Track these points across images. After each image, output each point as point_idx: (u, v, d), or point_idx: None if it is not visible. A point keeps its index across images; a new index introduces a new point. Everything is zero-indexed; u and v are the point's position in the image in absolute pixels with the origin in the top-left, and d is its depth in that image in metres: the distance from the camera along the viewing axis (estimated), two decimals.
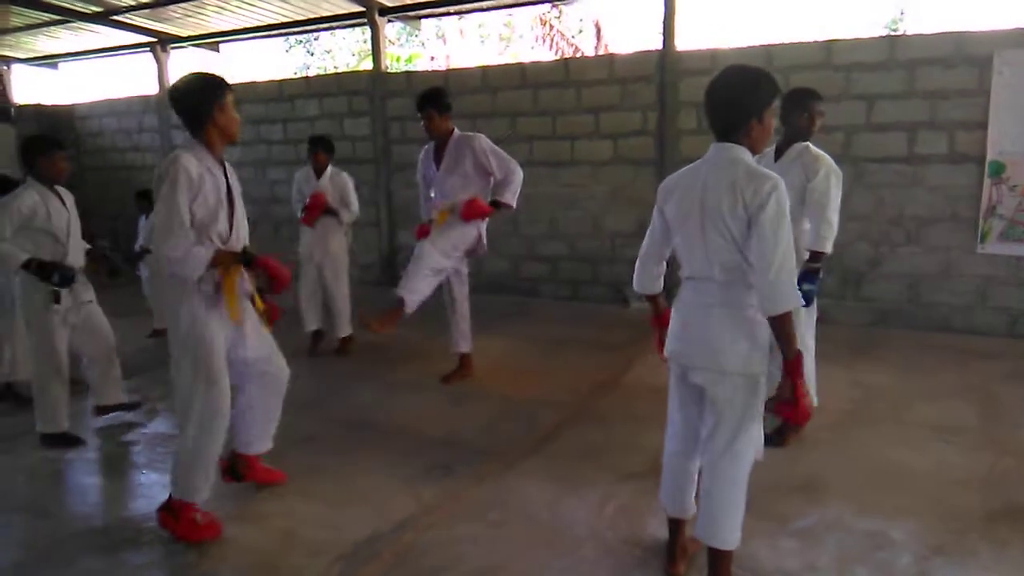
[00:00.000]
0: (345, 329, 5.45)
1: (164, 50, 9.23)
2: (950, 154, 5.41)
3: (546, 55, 13.21)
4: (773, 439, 3.55)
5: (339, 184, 5.33)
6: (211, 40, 9.16)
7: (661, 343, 2.50)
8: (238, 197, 2.84)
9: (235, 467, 3.13)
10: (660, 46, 6.27)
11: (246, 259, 2.79)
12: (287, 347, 5.41)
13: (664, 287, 2.57)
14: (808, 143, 3.52)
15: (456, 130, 4.32)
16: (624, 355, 5.15)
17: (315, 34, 15.08)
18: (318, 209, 5.21)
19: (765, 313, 2.15)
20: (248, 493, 3.17)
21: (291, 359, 5.20)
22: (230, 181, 2.79)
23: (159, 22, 8.49)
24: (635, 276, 2.53)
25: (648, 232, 2.47)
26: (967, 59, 5.23)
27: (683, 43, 6.26)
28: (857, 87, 5.62)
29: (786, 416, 2.26)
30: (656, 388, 4.39)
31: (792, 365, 2.14)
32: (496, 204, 4.28)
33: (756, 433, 2.32)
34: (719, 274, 2.22)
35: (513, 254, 7.09)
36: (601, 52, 12.82)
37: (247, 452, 3.13)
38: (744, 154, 2.20)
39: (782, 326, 2.13)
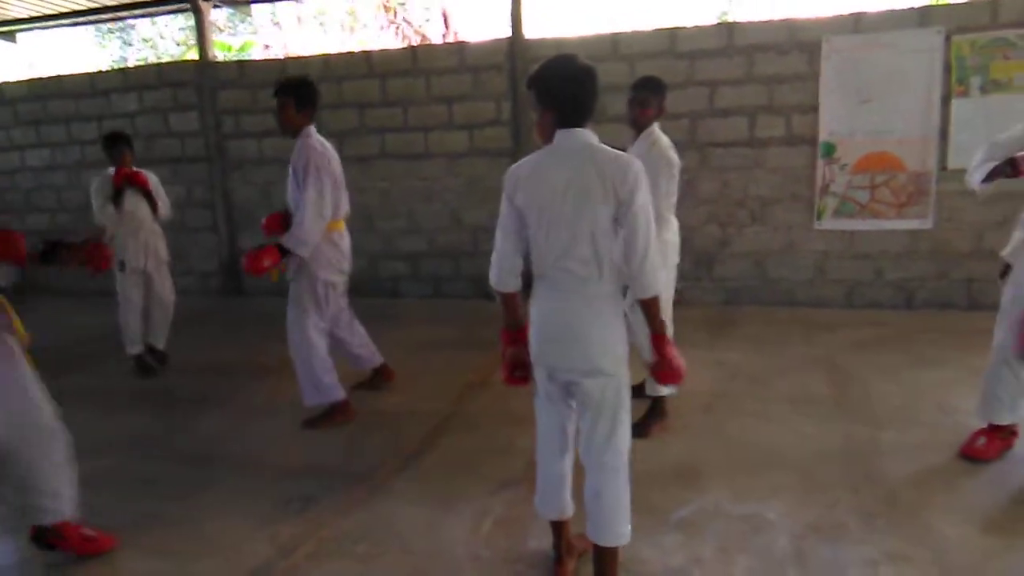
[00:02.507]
0: (161, 340, 4.99)
1: None
2: (787, 137, 5.69)
3: (392, 43, 12.80)
4: (636, 431, 3.52)
5: (151, 183, 4.83)
6: (6, 28, 8.00)
7: (508, 366, 2.35)
8: None
9: (41, 536, 2.62)
10: (509, 34, 6.14)
11: (45, 256, 2.33)
12: (111, 373, 4.92)
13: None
14: (655, 129, 3.49)
15: (311, 131, 3.69)
16: (493, 352, 4.96)
17: (131, 22, 13.75)
18: (139, 182, 4.71)
19: (637, 297, 2.16)
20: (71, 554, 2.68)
21: (118, 388, 4.76)
22: None
23: None
24: (492, 272, 2.31)
25: (499, 226, 2.26)
26: (798, 45, 5.51)
27: (532, 31, 6.17)
28: (700, 74, 5.77)
29: (664, 378, 2.27)
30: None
31: (657, 338, 2.20)
32: (283, 250, 3.58)
33: (629, 425, 2.31)
34: (579, 267, 2.13)
35: (370, 252, 6.72)
36: (450, 40, 12.58)
37: (44, 522, 2.61)
38: (595, 138, 2.15)
39: (650, 308, 2.17)
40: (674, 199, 3.47)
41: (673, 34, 5.80)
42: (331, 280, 3.82)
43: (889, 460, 3.19)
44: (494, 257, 2.29)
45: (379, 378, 4.35)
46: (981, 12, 5.17)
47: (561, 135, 2.13)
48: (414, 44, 12.22)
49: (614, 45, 5.87)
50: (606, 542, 2.28)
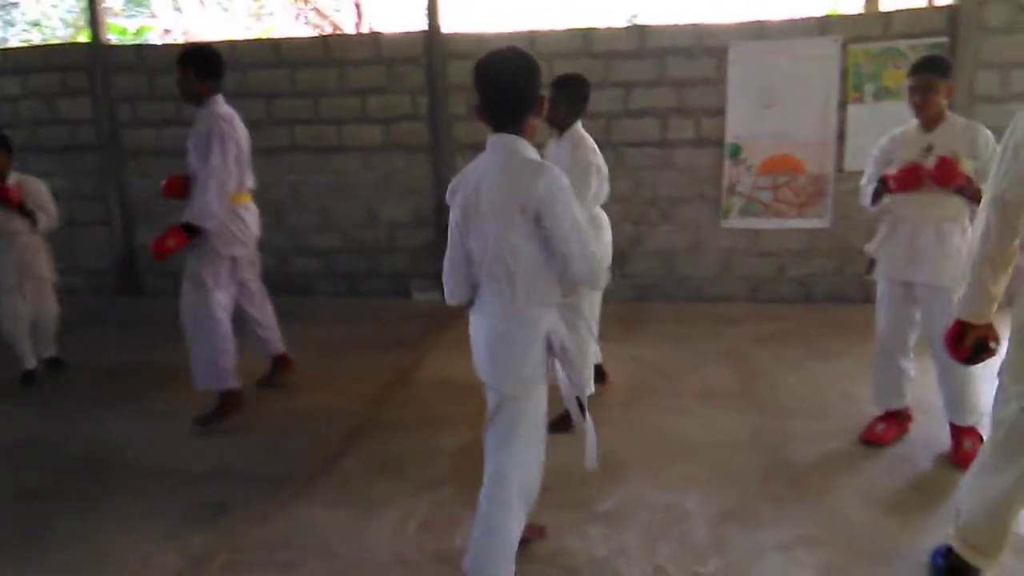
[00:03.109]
0: (51, 348, 4.63)
1: None
2: (696, 138, 5.87)
3: (302, 32, 12.42)
4: (560, 426, 3.55)
5: (32, 192, 4.40)
6: None
7: None
8: None
9: None
10: (425, 27, 6.05)
11: None
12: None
13: None
14: (577, 128, 3.56)
15: (217, 100, 3.55)
16: (413, 351, 4.91)
17: (14, 0, 12.72)
18: (6, 199, 4.27)
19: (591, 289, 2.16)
20: None
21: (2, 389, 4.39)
22: None
23: None
24: (444, 288, 2.28)
25: (448, 237, 2.23)
26: (707, 50, 5.69)
27: (449, 25, 6.10)
28: (615, 75, 5.87)
29: None
30: (449, 383, 4.24)
31: None
32: (188, 228, 3.44)
33: (528, 457, 2.19)
34: (495, 284, 2.08)
35: (280, 249, 6.48)
36: (364, 31, 12.29)
37: None
38: (520, 144, 2.06)
39: None
40: (599, 199, 3.57)
41: (588, 34, 5.88)
42: (233, 254, 3.65)
43: (796, 448, 3.34)
44: (444, 268, 2.24)
45: (279, 370, 4.17)
46: (874, 23, 5.51)
47: (491, 141, 2.08)
48: (326, 33, 11.89)
49: (531, 43, 5.88)
50: None
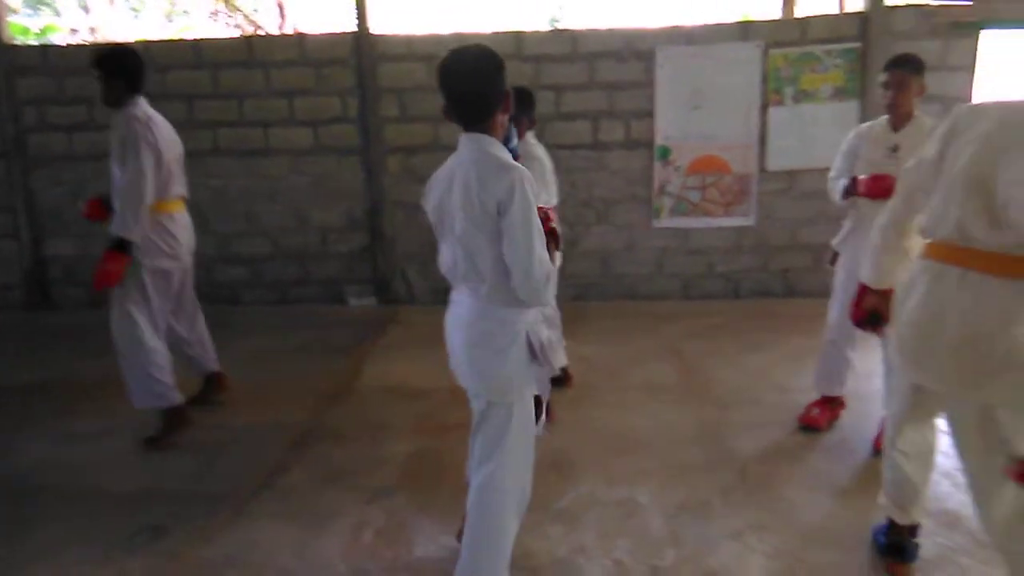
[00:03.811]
0: None
1: None
2: (626, 141, 5.98)
3: (221, 32, 11.97)
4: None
5: None
6: None
7: None
8: None
9: None
10: (354, 28, 5.94)
11: None
12: None
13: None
14: (528, 138, 3.75)
15: (136, 102, 3.32)
16: (352, 358, 4.79)
17: None
18: None
19: (527, 305, 2.05)
20: None
21: None
22: None
23: None
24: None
25: None
26: (635, 54, 5.81)
27: (378, 27, 6.00)
28: (545, 78, 5.91)
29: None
30: (392, 389, 4.17)
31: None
32: (119, 244, 3.22)
33: (521, 464, 2.17)
34: (464, 283, 2.07)
35: (203, 256, 6.19)
36: (288, 31, 11.92)
37: None
38: (489, 143, 2.02)
39: None
40: (550, 201, 3.68)
41: (518, 38, 5.91)
42: (160, 267, 3.42)
43: (738, 438, 3.44)
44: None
45: (212, 387, 3.97)
46: (793, 29, 5.74)
47: (462, 140, 2.04)
48: (247, 34, 11.51)
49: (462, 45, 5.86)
50: None
